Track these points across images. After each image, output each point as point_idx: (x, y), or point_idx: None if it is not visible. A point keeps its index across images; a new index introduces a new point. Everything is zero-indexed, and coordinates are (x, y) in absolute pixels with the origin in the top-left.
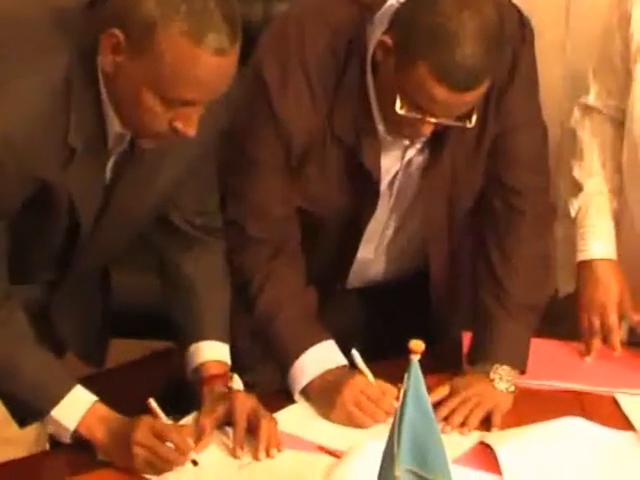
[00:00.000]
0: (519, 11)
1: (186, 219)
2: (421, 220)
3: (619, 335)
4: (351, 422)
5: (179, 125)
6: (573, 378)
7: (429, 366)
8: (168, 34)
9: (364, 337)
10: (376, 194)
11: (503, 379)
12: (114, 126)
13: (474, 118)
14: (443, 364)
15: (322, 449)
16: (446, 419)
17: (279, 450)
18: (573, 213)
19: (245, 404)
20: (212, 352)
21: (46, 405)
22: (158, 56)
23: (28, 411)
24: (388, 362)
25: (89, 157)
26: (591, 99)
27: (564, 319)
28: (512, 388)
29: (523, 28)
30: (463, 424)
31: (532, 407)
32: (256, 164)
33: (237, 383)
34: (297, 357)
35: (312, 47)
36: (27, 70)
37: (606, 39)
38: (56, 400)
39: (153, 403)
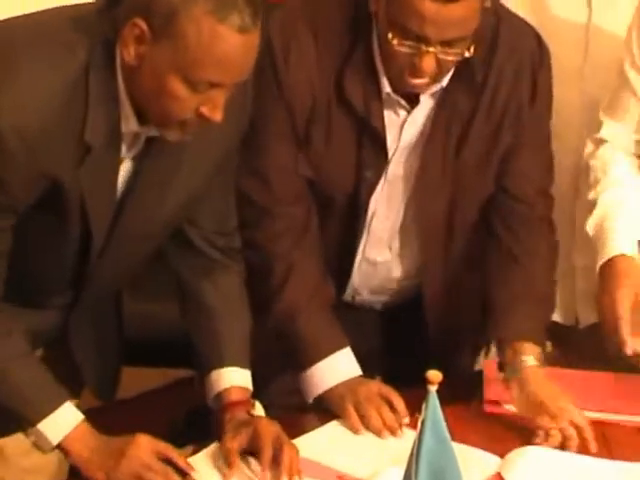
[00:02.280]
0: (537, 34)
1: (206, 238)
2: (418, 220)
3: None
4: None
5: (205, 110)
6: (594, 407)
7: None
8: (192, 16)
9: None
10: (384, 157)
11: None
12: (130, 124)
13: (472, 48)
14: (453, 393)
15: (342, 478)
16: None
17: (300, 478)
18: (591, 232)
19: (269, 430)
20: (234, 378)
21: (33, 417)
22: (183, 39)
23: (13, 417)
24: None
25: (103, 156)
26: (603, 133)
27: (584, 349)
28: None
29: (541, 50)
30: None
31: None
32: (261, 132)
33: (259, 410)
34: (314, 363)
35: (323, 13)
36: (43, 63)
37: (619, 71)
38: (44, 413)
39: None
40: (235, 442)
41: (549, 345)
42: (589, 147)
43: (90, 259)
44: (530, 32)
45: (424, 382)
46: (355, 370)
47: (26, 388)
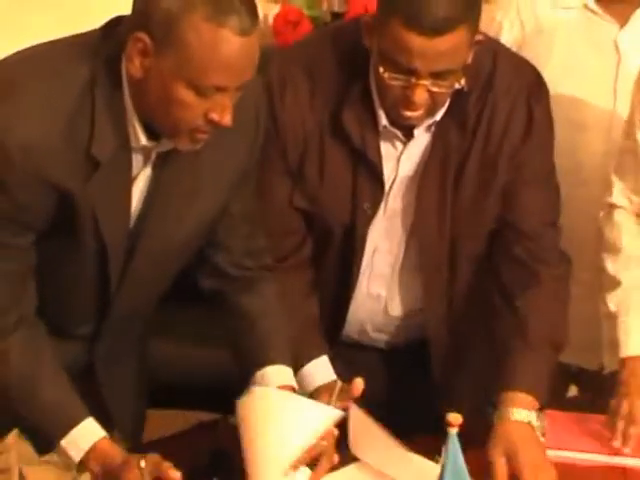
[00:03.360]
0: (536, 70)
1: (234, 263)
2: (419, 256)
3: None
4: None
5: (214, 115)
6: (618, 453)
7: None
8: (191, 23)
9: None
10: (380, 189)
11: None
12: (139, 139)
13: (463, 80)
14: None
15: None
16: None
17: None
18: (613, 308)
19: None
20: (279, 376)
21: (56, 433)
22: (185, 46)
23: (41, 436)
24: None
25: (113, 172)
26: (614, 197)
27: (609, 394)
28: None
29: (539, 85)
30: None
31: None
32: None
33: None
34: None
35: (319, 52)
36: (47, 82)
37: (627, 134)
38: (66, 429)
39: (142, 464)
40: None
41: (574, 389)
42: (602, 212)
43: (110, 281)
44: (528, 68)
45: (434, 424)
46: (327, 376)
47: (53, 402)
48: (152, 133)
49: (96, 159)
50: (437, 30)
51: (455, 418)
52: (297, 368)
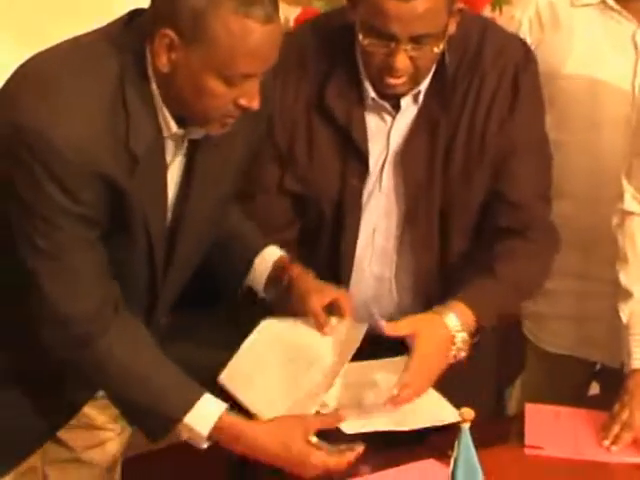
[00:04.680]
0: (525, 44)
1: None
2: (413, 231)
3: None
4: None
5: (244, 101)
6: (639, 452)
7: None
8: (219, 16)
9: None
10: (366, 164)
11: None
12: (170, 128)
13: (442, 45)
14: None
15: None
16: None
17: None
18: (625, 319)
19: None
20: (277, 251)
21: (179, 411)
22: (214, 39)
23: (160, 420)
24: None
25: (150, 164)
26: (626, 203)
27: None
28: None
29: (527, 57)
30: None
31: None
32: None
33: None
34: None
35: (308, 38)
36: (82, 77)
37: (637, 136)
38: (189, 405)
39: (314, 440)
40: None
41: (596, 387)
42: (615, 218)
43: (157, 270)
44: (517, 43)
45: None
46: None
47: (168, 388)
48: (181, 120)
49: (134, 152)
50: None
51: (468, 413)
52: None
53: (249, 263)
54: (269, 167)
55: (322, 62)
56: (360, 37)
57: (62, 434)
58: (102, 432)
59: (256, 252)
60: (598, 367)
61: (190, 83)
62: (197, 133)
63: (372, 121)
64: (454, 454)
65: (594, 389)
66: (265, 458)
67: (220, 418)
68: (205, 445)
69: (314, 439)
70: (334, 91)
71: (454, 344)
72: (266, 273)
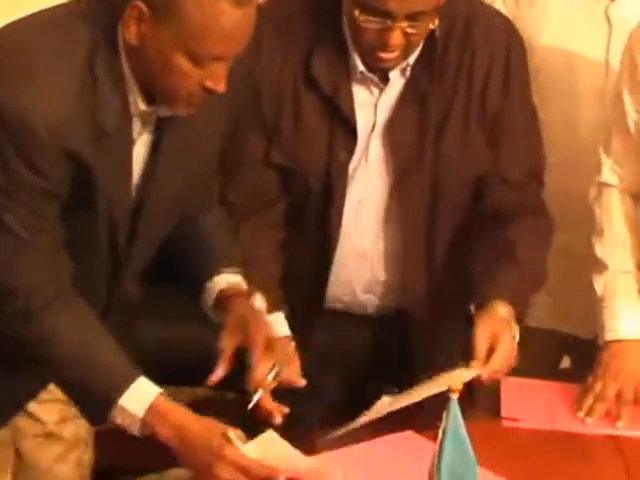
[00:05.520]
0: (506, 18)
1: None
2: (401, 207)
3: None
4: None
5: (210, 83)
6: (612, 423)
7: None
8: None
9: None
10: (354, 138)
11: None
12: (138, 105)
13: (437, 21)
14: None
15: None
16: None
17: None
18: (599, 291)
19: (262, 327)
20: (230, 280)
21: (114, 392)
22: (184, 17)
23: (98, 402)
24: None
25: (117, 139)
26: (604, 175)
27: None
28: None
29: (515, 35)
30: None
31: (572, 451)
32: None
33: (259, 301)
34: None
35: (290, 8)
36: (54, 53)
37: (616, 109)
38: (124, 386)
39: (232, 435)
40: (229, 340)
41: (567, 360)
42: (593, 190)
43: (119, 248)
44: (503, 18)
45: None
46: (283, 331)
47: (107, 368)
48: (150, 98)
49: (102, 126)
50: None
51: (456, 384)
52: None
53: (202, 286)
54: (255, 140)
55: (308, 32)
56: (356, 13)
57: (34, 408)
58: (74, 406)
59: (210, 275)
60: (570, 341)
61: (158, 59)
62: (165, 111)
63: (359, 93)
64: (442, 425)
65: (565, 363)
66: (184, 444)
67: (155, 400)
68: (137, 431)
69: (232, 434)
70: (320, 62)
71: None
72: (211, 301)
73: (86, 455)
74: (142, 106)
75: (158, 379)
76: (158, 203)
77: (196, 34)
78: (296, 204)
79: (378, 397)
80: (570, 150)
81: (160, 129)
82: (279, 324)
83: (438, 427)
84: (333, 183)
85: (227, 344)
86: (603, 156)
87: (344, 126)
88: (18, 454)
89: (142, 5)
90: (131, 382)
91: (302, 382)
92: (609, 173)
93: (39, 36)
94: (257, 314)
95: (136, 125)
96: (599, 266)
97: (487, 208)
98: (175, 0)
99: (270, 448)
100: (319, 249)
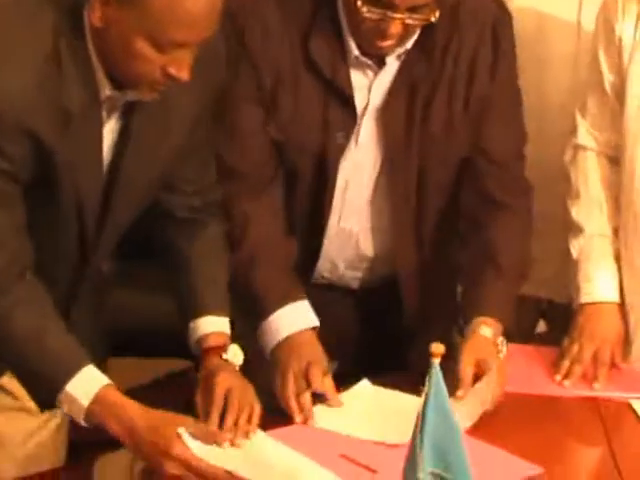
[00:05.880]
0: (500, 2)
1: (185, 205)
2: (389, 188)
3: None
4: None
5: (172, 70)
6: (589, 386)
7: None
8: None
9: (340, 337)
10: (352, 118)
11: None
12: (104, 88)
13: (437, 13)
14: None
15: (345, 457)
16: None
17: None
18: (575, 254)
19: (224, 383)
20: (210, 325)
21: (62, 377)
22: (146, 2)
23: (47, 387)
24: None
25: (85, 121)
26: (580, 138)
27: None
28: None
29: (504, 16)
30: None
31: (550, 414)
32: (230, 94)
33: (234, 354)
34: (270, 313)
35: None
36: (15, 35)
37: (591, 69)
38: (72, 373)
39: (184, 434)
40: (203, 400)
41: (543, 325)
42: (568, 153)
43: (87, 230)
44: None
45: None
46: (310, 321)
47: (57, 355)
48: (118, 83)
49: (68, 109)
50: None
51: (437, 348)
52: (270, 309)
53: (186, 324)
54: (250, 109)
55: (305, 11)
56: (358, 3)
57: (5, 382)
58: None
59: (194, 315)
60: (545, 305)
61: (120, 42)
62: (132, 96)
63: (354, 76)
64: (425, 390)
65: (541, 327)
66: (132, 439)
67: (101, 389)
68: (83, 420)
69: (183, 433)
70: (318, 44)
71: (498, 347)
72: (193, 342)
73: (60, 430)
74: (107, 91)
75: (133, 348)
76: (128, 188)
77: (158, 19)
78: (287, 182)
79: (358, 379)
80: (540, 115)
81: (129, 112)
82: (307, 313)
83: (421, 391)
84: (327, 164)
85: (200, 401)
86: (579, 118)
87: (342, 108)
88: None
89: None
90: (79, 369)
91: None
92: (585, 135)
93: (3, 11)
94: (226, 368)
95: (104, 108)
96: (575, 229)
97: (473, 188)
98: None
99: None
100: (309, 228)
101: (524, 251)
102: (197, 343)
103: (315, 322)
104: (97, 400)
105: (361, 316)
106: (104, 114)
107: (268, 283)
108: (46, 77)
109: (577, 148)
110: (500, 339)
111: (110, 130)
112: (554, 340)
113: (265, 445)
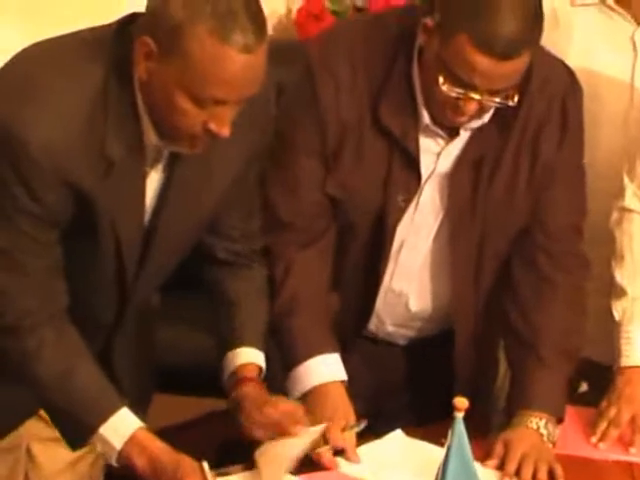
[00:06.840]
0: (568, 67)
1: (229, 249)
2: (448, 253)
3: None
4: None
5: (212, 126)
6: (625, 449)
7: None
8: (195, 34)
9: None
10: (416, 181)
11: (545, 429)
12: (150, 137)
13: (516, 97)
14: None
15: None
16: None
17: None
18: (617, 316)
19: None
20: (250, 356)
21: (95, 420)
22: (187, 57)
23: (78, 428)
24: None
25: (127, 169)
26: (627, 200)
27: None
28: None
29: (572, 81)
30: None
31: (584, 476)
32: (291, 146)
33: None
34: (302, 362)
35: (362, 41)
36: (64, 80)
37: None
38: (106, 416)
39: (206, 467)
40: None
41: (584, 385)
42: (614, 215)
43: (127, 275)
44: (561, 65)
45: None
46: (339, 374)
47: (89, 397)
48: (162, 135)
49: (110, 158)
50: (508, 55)
51: (461, 402)
52: (301, 358)
53: (223, 353)
54: (313, 165)
55: (376, 70)
56: (440, 79)
57: (44, 412)
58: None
59: (231, 346)
60: (587, 366)
61: (162, 96)
62: (173, 149)
63: (423, 141)
64: (447, 442)
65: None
66: (156, 476)
67: (134, 433)
68: (114, 461)
69: (205, 465)
70: (389, 109)
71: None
72: (227, 374)
73: (97, 462)
74: (154, 140)
75: (176, 385)
76: (168, 235)
77: (197, 75)
78: (341, 237)
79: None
80: (590, 174)
81: (172, 164)
82: (336, 365)
83: (443, 443)
84: (385, 224)
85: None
86: (626, 181)
87: (407, 170)
88: (30, 457)
89: (150, 41)
90: (113, 412)
91: None
92: (632, 198)
93: (50, 60)
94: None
95: (150, 158)
96: (618, 291)
97: (524, 260)
98: (178, 36)
99: None
100: (362, 285)
101: (570, 335)
102: (236, 370)
103: (343, 376)
104: (129, 442)
105: (409, 369)
106: (148, 163)
107: (302, 332)
108: (91, 126)
109: (623, 210)
110: (543, 423)
111: (153, 180)
112: (595, 400)
113: None
